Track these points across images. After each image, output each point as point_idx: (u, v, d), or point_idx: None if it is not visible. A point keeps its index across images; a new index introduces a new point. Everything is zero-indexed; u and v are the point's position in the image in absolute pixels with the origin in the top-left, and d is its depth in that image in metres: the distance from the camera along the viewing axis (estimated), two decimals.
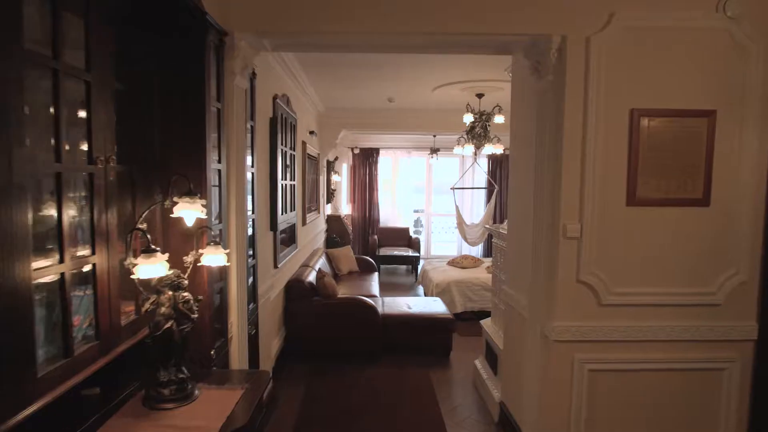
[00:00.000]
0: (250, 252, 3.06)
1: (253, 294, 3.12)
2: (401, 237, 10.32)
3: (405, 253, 8.98)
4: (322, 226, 8.35)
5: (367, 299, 4.65)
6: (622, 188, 2.56)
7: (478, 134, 5.51)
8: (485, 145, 5.53)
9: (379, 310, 4.85)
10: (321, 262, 6.01)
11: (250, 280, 3.08)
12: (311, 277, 4.97)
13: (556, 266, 2.58)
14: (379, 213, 10.76)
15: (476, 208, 10.90)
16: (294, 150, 5.07)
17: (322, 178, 8.27)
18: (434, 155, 9.74)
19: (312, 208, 7.01)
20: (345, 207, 10.79)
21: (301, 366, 4.50)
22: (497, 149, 5.54)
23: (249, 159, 3.04)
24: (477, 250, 10.62)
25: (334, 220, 9.08)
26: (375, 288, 6.03)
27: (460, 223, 9.50)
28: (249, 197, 3.06)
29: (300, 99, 5.64)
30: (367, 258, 7.25)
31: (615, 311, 2.58)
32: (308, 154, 6.31)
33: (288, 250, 4.78)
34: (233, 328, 2.60)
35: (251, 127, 3.07)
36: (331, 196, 9.37)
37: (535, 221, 2.77)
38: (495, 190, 9.17)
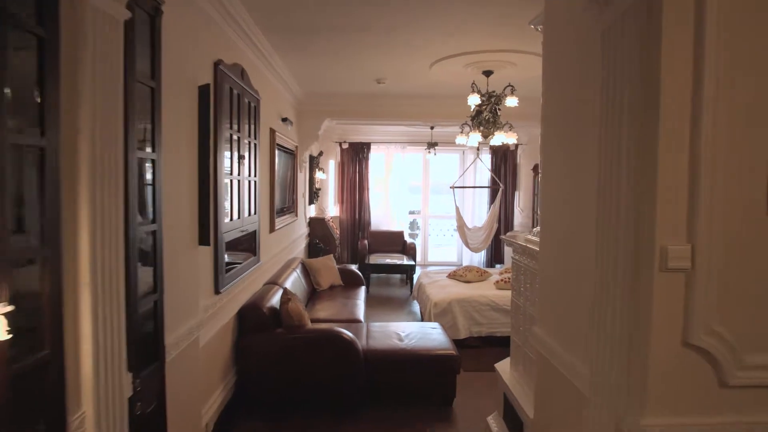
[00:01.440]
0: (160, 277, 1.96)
1: (154, 348, 2.02)
2: (395, 242, 9.23)
3: (399, 262, 7.89)
4: (302, 230, 7.26)
5: (344, 332, 3.55)
6: (764, 187, 1.47)
7: (485, 120, 4.43)
8: (495, 133, 4.45)
9: (362, 343, 3.76)
10: (293, 278, 4.91)
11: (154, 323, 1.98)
12: (274, 301, 3.87)
13: (646, 319, 1.49)
14: (370, 215, 9.66)
15: (479, 210, 9.82)
16: (256, 138, 3.98)
17: (303, 176, 7.17)
18: (432, 150, 8.66)
19: (287, 210, 5.92)
20: (332, 208, 9.69)
21: (256, 422, 3.40)
22: (510, 138, 4.46)
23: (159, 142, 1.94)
24: (479, 257, 9.54)
25: (317, 224, 7.99)
26: (360, 308, 4.94)
27: (461, 227, 8.43)
28: (150, 197, 1.97)
29: (265, 76, 4.54)
30: (353, 269, 6.16)
31: (749, 397, 1.50)
32: (280, 145, 5.22)
33: (243, 266, 3.68)
34: (86, 420, 1.50)
35: (152, 89, 1.97)
36: (314, 195, 8.28)
37: (600, 240, 1.68)
38: (500, 189, 8.10)
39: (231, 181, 3.33)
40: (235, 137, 3.40)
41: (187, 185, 2.36)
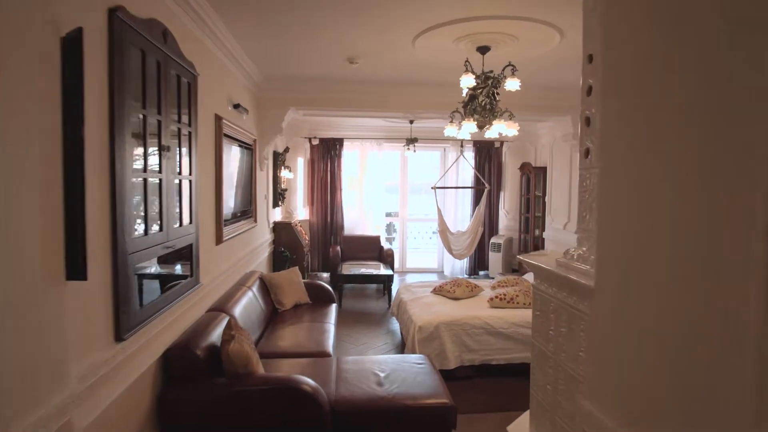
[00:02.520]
0: None
1: None
2: (370, 248, 8.38)
3: (375, 271, 7.05)
4: (265, 237, 6.34)
5: (303, 383, 2.68)
6: None
7: (481, 107, 3.63)
8: (492, 123, 3.65)
9: (330, 389, 2.90)
10: (247, 300, 4.01)
11: None
12: (215, 336, 2.97)
13: None
14: (342, 218, 8.79)
15: (462, 212, 9.06)
16: (191, 125, 3.07)
17: (265, 174, 6.25)
18: (411, 147, 7.85)
19: (244, 215, 5.00)
20: (301, 211, 8.77)
21: None
22: (510, 130, 3.66)
23: None
24: (462, 264, 8.79)
25: (283, 229, 7.07)
26: (329, 336, 4.07)
27: (444, 231, 7.66)
28: None
29: (207, 47, 3.63)
30: (322, 284, 5.28)
31: None
32: (231, 137, 4.30)
33: (171, 293, 2.76)
34: None
35: None
36: (280, 197, 7.35)
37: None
38: (485, 190, 7.38)
39: (146, 180, 2.42)
40: (152, 121, 2.49)
41: (36, 189, 1.45)
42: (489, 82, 3.62)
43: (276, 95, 5.64)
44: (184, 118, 2.98)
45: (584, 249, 1.81)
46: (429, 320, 4.18)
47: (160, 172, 2.58)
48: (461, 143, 7.69)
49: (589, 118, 1.83)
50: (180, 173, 2.92)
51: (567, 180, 6.69)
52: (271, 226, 6.87)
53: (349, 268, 7.18)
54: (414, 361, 3.44)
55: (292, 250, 6.98)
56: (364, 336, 5.47)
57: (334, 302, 5.10)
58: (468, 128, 3.57)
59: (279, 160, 7.25)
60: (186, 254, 3.11)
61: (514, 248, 8.67)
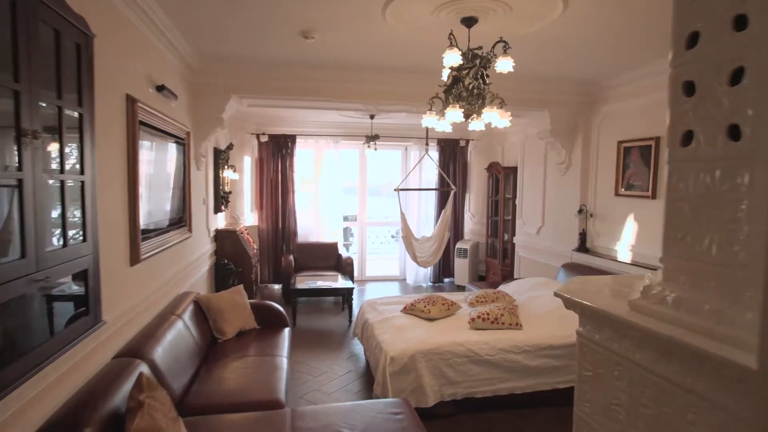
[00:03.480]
0: None
1: None
2: (327, 256, 7.59)
3: (333, 284, 6.26)
4: (204, 249, 5.42)
5: None
6: None
7: (468, 91, 2.96)
8: (481, 111, 2.98)
9: None
10: (174, 336, 3.13)
11: None
12: (117, 401, 2.12)
13: None
14: (296, 223, 7.93)
15: (426, 216, 8.43)
16: (81, 104, 2.20)
17: (203, 174, 5.33)
18: (371, 144, 7.13)
19: (174, 224, 4.10)
20: (248, 216, 7.84)
21: None
22: (503, 120, 3.00)
23: None
24: (426, 273, 8.15)
25: (226, 238, 6.15)
26: (281, 374, 3.26)
27: (408, 237, 6.99)
28: None
29: (114, 5, 2.75)
30: (272, 305, 4.44)
31: None
32: (152, 126, 3.41)
33: (50, 344, 1.89)
34: None
35: None
36: (223, 201, 6.42)
37: None
38: (452, 192, 6.78)
39: None
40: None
41: None
42: (477, 62, 2.95)
43: (215, 80, 4.75)
44: (70, 95, 2.11)
45: (695, 293, 1.14)
46: (403, 349, 3.46)
47: (20, 169, 1.72)
48: (426, 141, 7.06)
49: (692, 83, 1.18)
50: (63, 171, 2.05)
51: (540, 180, 6.19)
52: (212, 234, 5.95)
53: (304, 281, 6.36)
54: (390, 410, 2.71)
55: (237, 262, 6.08)
56: (323, 363, 4.68)
57: (287, 326, 4.29)
58: (453, 117, 2.89)
59: (221, 158, 6.33)
60: (78, 284, 2.23)
61: (481, 253, 8.14)
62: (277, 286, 7.81)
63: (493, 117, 2.91)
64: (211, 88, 4.80)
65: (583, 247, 5.25)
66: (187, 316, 3.59)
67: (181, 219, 4.38)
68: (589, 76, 4.88)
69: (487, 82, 2.98)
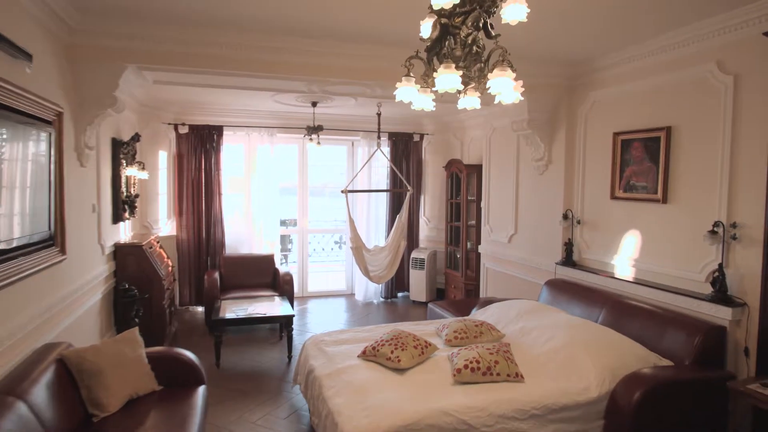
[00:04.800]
0: None
1: None
2: (261, 271, 6.37)
3: (267, 311, 5.03)
4: (94, 272, 4.08)
5: None
6: None
7: (465, 45, 1.96)
8: (487, 75, 1.99)
9: None
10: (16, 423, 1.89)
11: None
12: None
13: None
14: (223, 232, 6.64)
15: (377, 223, 7.41)
16: None
17: (89, 173, 3.99)
18: (314, 137, 6.01)
19: (32, 244, 2.79)
20: (164, 224, 6.46)
21: None
22: (514, 94, 2.02)
23: None
24: (376, 287, 7.14)
25: (129, 254, 4.80)
26: None
27: (358, 248, 5.97)
28: None
29: None
30: (182, 355, 3.21)
31: None
32: None
33: None
34: None
35: None
36: (126, 207, 5.05)
37: None
38: (408, 194, 5.86)
39: None
40: None
41: None
42: (475, 5, 1.97)
43: (102, 43, 3.44)
44: None
45: None
46: (368, 427, 2.40)
47: None
48: (378, 134, 6.06)
49: None
50: None
51: (511, 181, 5.36)
52: (109, 251, 4.58)
53: (232, 306, 5.12)
54: None
55: (143, 286, 4.74)
56: (255, 426, 3.52)
57: (202, 383, 3.10)
58: (446, 82, 1.86)
59: (124, 152, 4.96)
60: None
61: (440, 263, 7.25)
62: (201, 309, 6.49)
63: (505, 85, 1.93)
64: (96, 54, 3.48)
65: (569, 261, 4.45)
66: (39, 392, 2.33)
67: (48, 238, 3.06)
68: (578, 54, 4.07)
69: (493, 34, 1.99)
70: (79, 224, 3.71)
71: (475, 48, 2.03)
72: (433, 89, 1.97)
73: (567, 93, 4.56)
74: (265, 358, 4.96)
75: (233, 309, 4.98)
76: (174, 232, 6.50)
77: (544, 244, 4.83)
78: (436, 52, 2.05)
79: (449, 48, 2.01)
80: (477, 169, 6.24)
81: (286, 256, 8.23)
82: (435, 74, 1.90)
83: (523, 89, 2.07)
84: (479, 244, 6.12)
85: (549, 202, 4.77)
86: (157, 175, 6.27)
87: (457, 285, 6.59)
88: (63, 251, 3.24)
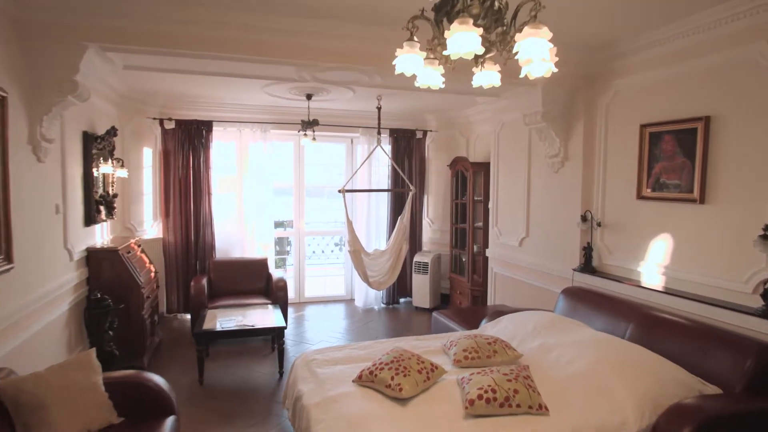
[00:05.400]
0: None
1: None
2: (253, 276, 5.94)
3: (257, 322, 4.58)
4: (57, 281, 3.66)
5: None
6: None
7: (486, 3, 1.54)
8: (511, 41, 1.56)
9: None
10: None
11: None
12: None
13: None
14: (213, 235, 6.21)
15: (377, 225, 6.97)
16: None
17: (48, 169, 3.56)
18: (309, 132, 5.58)
19: None
20: (149, 226, 6.04)
21: None
22: (544, 65, 1.59)
23: None
24: (377, 293, 6.70)
25: (104, 260, 4.38)
26: None
27: (356, 251, 5.56)
28: None
29: None
30: (148, 380, 2.77)
31: None
32: None
33: None
34: None
35: None
36: (101, 207, 4.63)
37: None
38: (410, 194, 5.44)
39: None
40: None
41: None
42: None
43: (58, 18, 3.02)
44: None
45: None
46: None
47: None
48: (378, 129, 5.63)
49: None
50: None
51: (523, 179, 4.92)
52: (79, 257, 4.16)
53: (219, 316, 4.68)
54: None
55: (119, 294, 4.32)
56: None
57: (172, 413, 2.67)
58: (462, 43, 1.41)
59: (99, 147, 4.54)
60: None
61: (444, 267, 6.81)
62: (189, 316, 6.06)
63: (539, 49, 1.48)
64: (51, 32, 3.06)
65: (588, 267, 4.00)
66: None
67: None
68: (600, 37, 3.62)
69: None
70: (36, 227, 3.30)
71: (497, 3, 1.60)
72: (444, 54, 1.52)
73: (586, 82, 4.11)
74: (255, 374, 4.53)
75: (219, 320, 4.54)
76: (160, 235, 6.08)
77: (559, 248, 4.39)
78: (447, 10, 1.61)
79: (464, 4, 1.57)
80: (484, 168, 5.80)
81: (284, 260, 7.82)
82: (446, 34, 1.46)
83: (557, 58, 1.62)
84: (487, 247, 5.68)
85: (565, 203, 4.33)
86: (141, 174, 5.85)
87: (463, 291, 6.15)
88: (8, 259, 2.81)
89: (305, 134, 5.51)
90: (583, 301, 3.75)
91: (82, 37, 3.09)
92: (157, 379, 2.84)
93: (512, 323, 3.62)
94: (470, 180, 5.94)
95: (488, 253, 5.63)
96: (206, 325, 4.40)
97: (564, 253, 4.32)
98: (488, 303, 5.65)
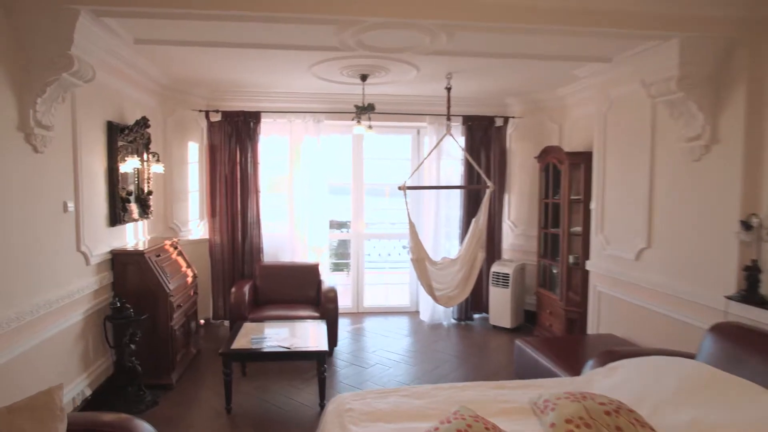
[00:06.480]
0: None
1: None
2: (303, 283, 5.21)
3: (292, 345, 3.76)
4: (74, 285, 3.12)
5: None
6: None
7: None
8: None
9: None
10: None
11: None
12: None
13: None
14: (260, 236, 5.57)
15: (449, 228, 5.97)
16: None
17: (47, 160, 2.99)
18: (364, 119, 4.73)
19: None
20: (195, 226, 5.53)
21: None
22: None
23: None
24: (449, 310, 5.70)
25: (129, 263, 3.82)
26: None
27: (421, 260, 4.67)
28: None
29: None
30: (132, 427, 2.07)
31: None
32: None
33: None
34: None
35: None
36: (127, 205, 4.11)
37: None
38: (488, 192, 4.44)
39: None
40: None
41: None
42: None
43: None
44: None
45: None
46: None
47: None
48: (447, 115, 4.68)
49: None
50: None
51: (644, 171, 3.70)
52: (100, 260, 3.62)
53: (255, 333, 3.95)
54: None
55: (145, 302, 3.75)
56: None
57: None
58: None
59: (129, 139, 4.01)
60: None
61: (529, 280, 5.66)
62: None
63: None
64: None
65: (753, 295, 2.75)
66: None
67: None
68: None
69: None
70: (30, 227, 2.73)
71: None
72: None
73: (750, 32, 2.85)
74: (293, 403, 3.75)
75: (253, 337, 3.81)
76: (206, 235, 5.55)
77: (701, 265, 3.15)
78: None
79: None
80: (584, 159, 4.61)
81: (342, 264, 7.07)
82: None
83: None
84: (587, 258, 4.49)
85: (711, 203, 3.08)
86: (185, 170, 5.34)
87: (555, 311, 4.98)
88: None
89: (358, 121, 4.66)
90: (748, 346, 2.51)
91: (71, 0, 2.45)
92: (144, 428, 2.12)
93: (638, 375, 2.48)
94: (565, 174, 4.77)
95: (589, 266, 4.44)
96: (236, 344, 3.68)
97: (710, 274, 3.07)
98: (588, 329, 4.46)
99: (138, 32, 3.16)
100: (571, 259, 4.77)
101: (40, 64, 2.65)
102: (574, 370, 3.20)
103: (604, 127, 4.25)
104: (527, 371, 3.74)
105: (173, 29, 3.04)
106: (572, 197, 4.74)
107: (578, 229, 4.71)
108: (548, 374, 3.35)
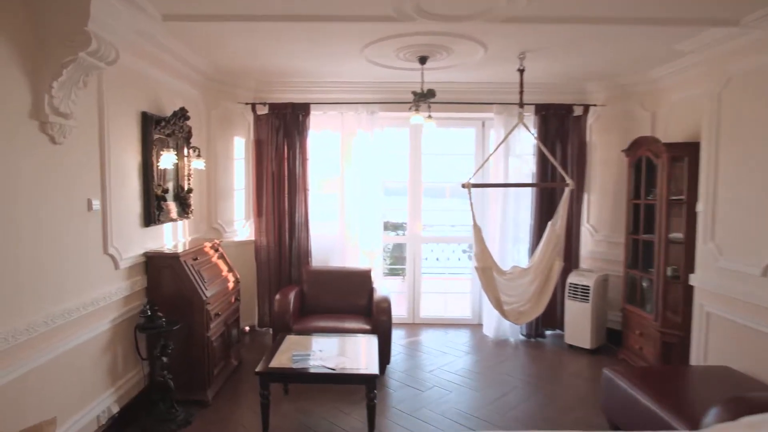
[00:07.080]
0: None
1: None
2: (354, 291, 4.74)
3: (337, 365, 3.27)
4: (100, 290, 2.83)
5: None
6: None
7: None
8: None
9: None
10: None
11: None
12: None
13: None
14: (309, 239, 5.17)
15: (519, 232, 5.28)
16: None
17: (67, 151, 2.68)
18: (421, 108, 4.16)
19: None
20: (240, 226, 5.23)
21: None
22: None
23: None
24: (516, 329, 5.02)
25: (165, 267, 3.51)
26: None
27: (487, 269, 4.07)
28: None
29: None
30: None
31: None
32: None
33: None
34: None
35: None
36: (175, 204, 3.82)
37: None
38: (567, 190, 3.76)
39: None
40: None
41: None
42: None
43: None
44: None
45: None
46: None
47: None
48: (520, 102, 4.06)
49: None
50: None
51: None
52: (131, 264, 3.33)
53: (298, 348, 3.52)
54: None
55: (179, 310, 3.43)
56: None
57: None
58: None
59: (166, 132, 3.72)
60: None
61: (614, 294, 4.85)
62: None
63: None
64: None
65: None
66: None
67: None
68: None
69: None
70: (42, 226, 2.44)
71: None
72: None
73: None
74: (338, 430, 3.28)
75: (295, 354, 3.37)
76: (252, 237, 5.23)
77: None
78: None
79: None
80: (688, 151, 3.79)
81: (395, 270, 6.56)
82: None
83: None
84: (692, 272, 3.67)
85: None
86: (231, 166, 5.05)
87: (646, 332, 4.18)
88: None
89: (416, 110, 4.11)
90: None
91: None
92: None
93: None
94: (663, 170, 3.96)
95: (694, 280, 3.63)
96: (275, 361, 3.26)
97: None
98: (692, 359, 3.65)
99: (165, 6, 2.80)
100: (668, 271, 3.95)
101: (54, 43, 2.35)
102: (687, 416, 2.49)
103: (718, 111, 3.43)
104: (619, 410, 3.05)
105: (202, 2, 2.66)
106: (671, 197, 3.93)
107: (679, 235, 3.89)
108: (650, 419, 2.65)
